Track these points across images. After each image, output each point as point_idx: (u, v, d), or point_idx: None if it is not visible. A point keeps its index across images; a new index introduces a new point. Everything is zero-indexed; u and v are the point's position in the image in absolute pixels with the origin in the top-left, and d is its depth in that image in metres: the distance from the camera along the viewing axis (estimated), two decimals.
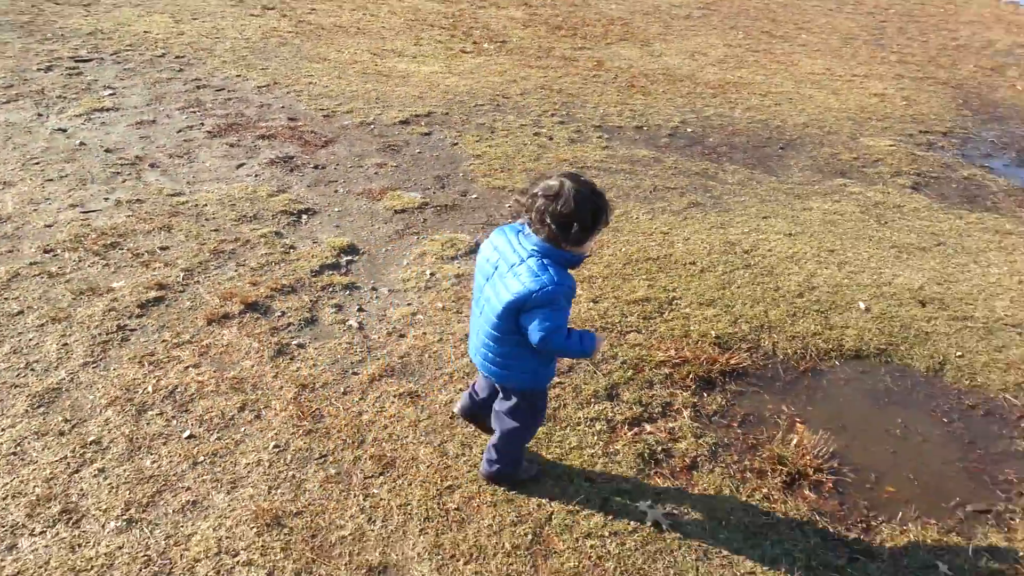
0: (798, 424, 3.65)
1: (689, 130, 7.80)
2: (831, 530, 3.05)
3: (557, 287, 2.49)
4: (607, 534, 2.92)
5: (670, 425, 3.58)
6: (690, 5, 14.64)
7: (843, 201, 6.23)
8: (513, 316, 2.58)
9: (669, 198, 6.08)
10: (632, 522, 2.98)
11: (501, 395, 2.95)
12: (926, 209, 6.19)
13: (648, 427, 3.56)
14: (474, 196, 5.89)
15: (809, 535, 3.00)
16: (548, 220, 2.46)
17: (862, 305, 4.63)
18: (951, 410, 3.83)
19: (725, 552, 2.89)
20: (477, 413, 3.21)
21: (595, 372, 3.87)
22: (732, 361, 4.04)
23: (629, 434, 3.48)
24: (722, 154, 7.20)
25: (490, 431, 3.12)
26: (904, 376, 4.06)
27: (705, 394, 3.82)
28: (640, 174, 6.54)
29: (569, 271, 2.58)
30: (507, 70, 9.54)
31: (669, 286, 4.74)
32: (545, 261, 2.52)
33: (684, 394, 3.79)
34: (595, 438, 3.42)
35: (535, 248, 2.53)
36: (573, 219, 2.44)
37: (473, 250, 5.04)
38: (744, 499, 3.17)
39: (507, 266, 2.58)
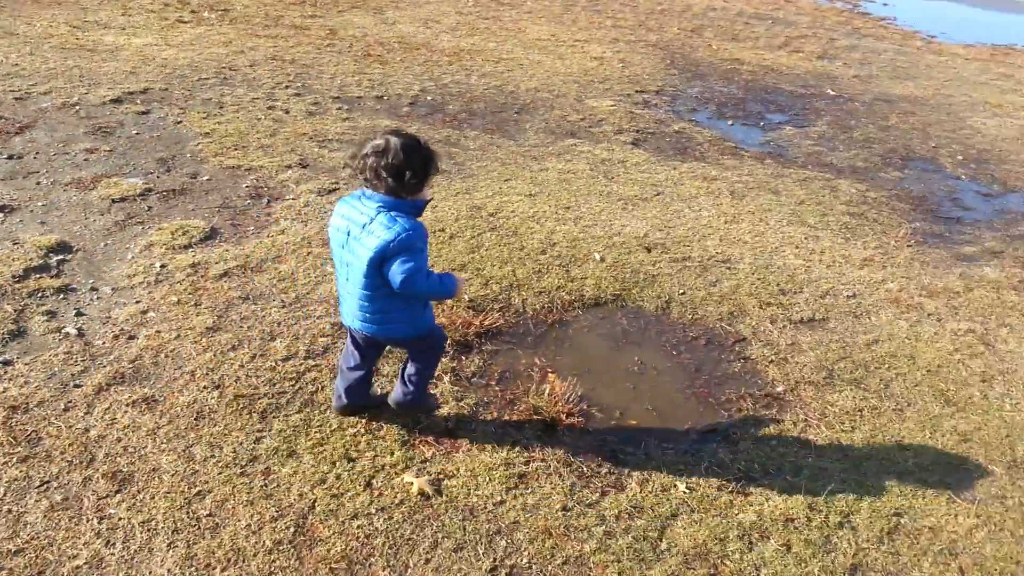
0: (550, 374, 3.83)
1: (429, 98, 7.83)
2: (585, 469, 3.25)
3: (411, 233, 2.70)
4: (374, 511, 2.89)
5: (431, 392, 3.60)
6: None
7: (575, 160, 6.61)
8: (377, 270, 2.76)
9: None
10: (399, 495, 2.97)
11: (406, 353, 3.26)
12: (646, 162, 6.75)
13: None
14: (206, 178, 5.47)
15: (565, 477, 3.18)
16: (384, 175, 2.67)
17: (597, 256, 4.96)
18: (679, 343, 4.23)
19: (490, 507, 2.97)
20: (355, 404, 3.30)
21: None
22: (486, 322, 4.15)
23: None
24: (463, 121, 7.31)
25: (373, 407, 3.36)
26: (637, 317, 4.42)
27: (463, 357, 3.89)
28: None
29: (417, 219, 2.78)
30: (232, 40, 8.94)
31: None
32: (392, 213, 2.73)
33: (443, 360, 3.82)
34: (356, 417, 3.35)
35: (380, 204, 2.73)
36: (405, 168, 2.66)
37: (209, 236, 4.70)
38: (505, 453, 3.28)
39: (359, 228, 2.76)
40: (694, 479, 3.25)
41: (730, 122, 8.35)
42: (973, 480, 3.37)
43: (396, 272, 2.70)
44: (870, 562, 2.90)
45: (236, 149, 5.97)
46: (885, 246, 5.60)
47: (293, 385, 3.50)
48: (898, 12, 16.92)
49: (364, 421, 3.32)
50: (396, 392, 3.29)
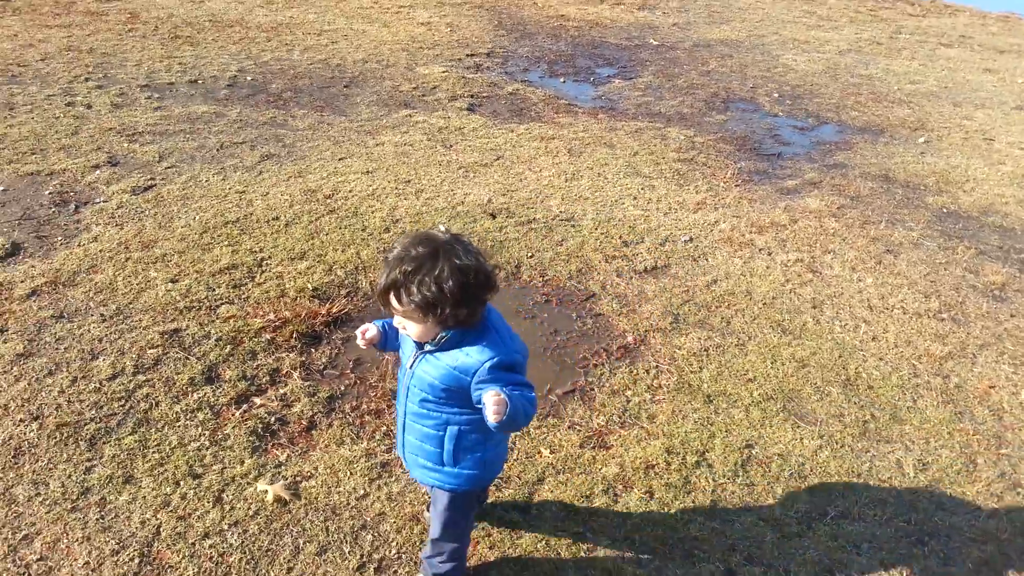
0: None
1: (249, 78, 7.39)
2: None
3: None
4: (227, 527, 2.71)
5: (281, 392, 3.42)
6: None
7: (411, 131, 6.45)
8: None
9: (239, 154, 5.72)
10: (253, 506, 2.80)
11: None
12: (483, 127, 6.69)
13: (257, 400, 3.36)
14: (1, 189, 4.92)
15: None
16: None
17: (442, 227, 4.88)
18: (533, 305, 4.24)
19: (353, 502, 2.86)
20: None
21: (187, 358, 3.52)
22: (334, 310, 3.98)
23: (237, 414, 3.26)
24: (288, 99, 6.96)
25: None
26: None
27: (312, 350, 3.72)
28: (203, 132, 6.04)
29: None
30: (18, 33, 8.07)
31: (255, 247, 4.49)
32: None
33: (290, 356, 3.64)
34: (199, 429, 3.13)
35: None
36: None
37: (11, 253, 4.24)
38: (366, 444, 3.17)
39: None
40: (557, 441, 3.27)
41: (562, 79, 8.42)
42: (814, 403, 3.59)
43: None
44: (728, 496, 3.03)
45: (33, 153, 5.40)
46: (715, 188, 5.84)
47: (123, 405, 3.21)
48: None
49: (208, 433, 3.11)
50: None
